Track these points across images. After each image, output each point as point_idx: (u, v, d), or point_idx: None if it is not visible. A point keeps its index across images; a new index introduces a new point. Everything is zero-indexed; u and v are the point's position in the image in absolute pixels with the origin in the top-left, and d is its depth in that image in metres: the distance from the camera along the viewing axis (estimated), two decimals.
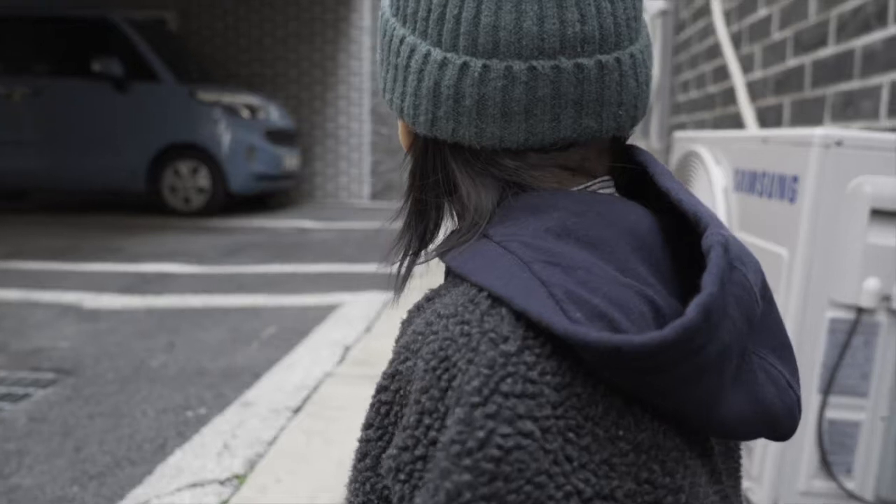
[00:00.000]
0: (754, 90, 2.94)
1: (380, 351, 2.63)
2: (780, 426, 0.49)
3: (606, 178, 0.55)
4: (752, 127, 2.88)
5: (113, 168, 7.14)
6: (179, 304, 3.55)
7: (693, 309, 0.42)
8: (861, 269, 1.39)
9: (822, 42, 2.30)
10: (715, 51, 3.43)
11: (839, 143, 1.40)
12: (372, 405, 0.50)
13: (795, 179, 1.48)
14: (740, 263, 0.47)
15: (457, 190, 0.54)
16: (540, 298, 0.43)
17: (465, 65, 0.49)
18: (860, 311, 1.40)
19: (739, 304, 0.45)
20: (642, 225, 0.50)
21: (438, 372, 0.43)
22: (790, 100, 2.55)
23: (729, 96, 3.21)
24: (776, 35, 2.70)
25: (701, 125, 3.73)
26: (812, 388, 1.42)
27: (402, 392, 0.47)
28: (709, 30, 3.55)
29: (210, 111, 7.06)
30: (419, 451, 0.43)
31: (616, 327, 0.42)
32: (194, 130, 7.06)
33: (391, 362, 0.49)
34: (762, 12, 2.86)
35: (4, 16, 7.38)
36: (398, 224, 0.62)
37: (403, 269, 0.62)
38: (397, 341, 0.51)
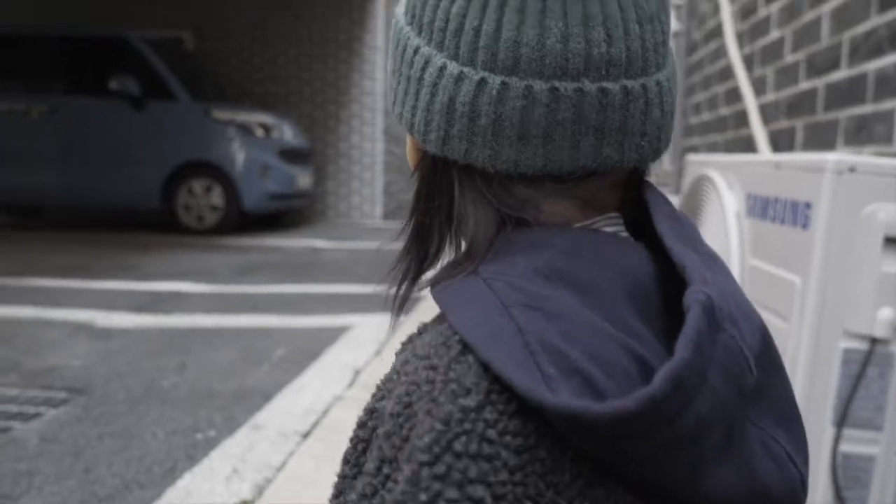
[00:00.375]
0: (767, 113, 2.93)
1: None
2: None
3: (614, 214, 0.53)
4: (764, 150, 2.87)
5: (128, 185, 7.21)
6: (191, 323, 3.56)
7: (661, 377, 0.38)
8: (875, 299, 1.38)
9: (834, 65, 2.30)
10: (727, 73, 3.43)
11: (852, 170, 1.39)
12: (351, 439, 0.48)
13: (808, 206, 1.47)
14: (731, 325, 0.43)
15: (459, 217, 0.52)
16: (511, 348, 0.40)
17: (482, 81, 0.46)
18: (874, 341, 1.38)
19: (725, 371, 0.41)
20: (640, 270, 0.47)
21: (401, 419, 0.41)
22: (803, 123, 2.54)
23: (741, 119, 3.20)
24: (789, 58, 2.70)
25: (713, 148, 3.72)
26: (826, 420, 1.40)
27: (375, 431, 0.44)
28: (721, 52, 3.55)
29: (225, 130, 7.13)
30: (376, 501, 0.41)
31: (593, 385, 0.39)
32: (209, 149, 7.12)
33: (372, 397, 0.47)
34: (775, 34, 2.86)
35: (24, 34, 7.49)
36: (400, 245, 0.59)
37: (401, 294, 0.59)
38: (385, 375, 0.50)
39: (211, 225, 7.21)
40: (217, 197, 7.19)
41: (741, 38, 3.30)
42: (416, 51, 0.49)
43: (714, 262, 0.49)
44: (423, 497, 0.37)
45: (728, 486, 0.42)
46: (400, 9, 0.54)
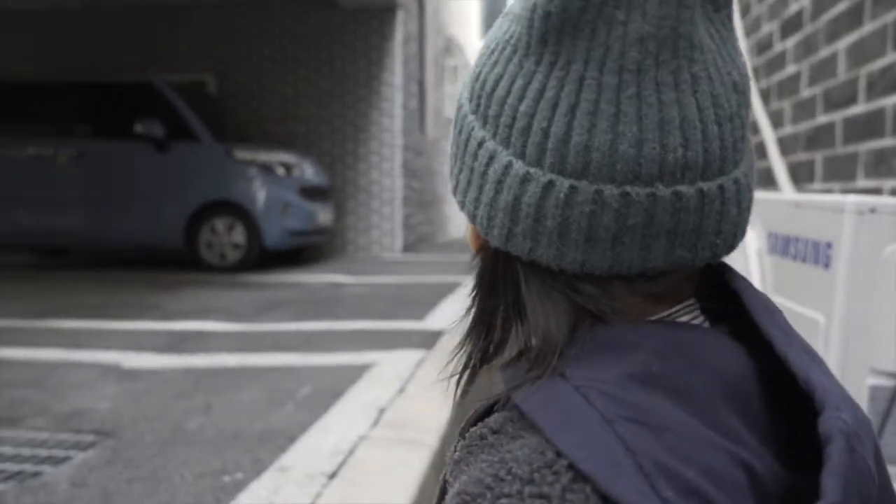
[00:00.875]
0: (785, 145, 2.94)
1: (413, 413, 2.63)
2: None
3: (691, 302, 0.51)
4: (784, 183, 2.87)
5: (152, 225, 7.34)
6: (216, 363, 3.59)
7: None
8: None
9: (852, 100, 2.31)
10: None
11: (873, 210, 1.40)
12: None
13: (829, 245, 1.48)
14: (859, 442, 0.42)
15: (525, 312, 0.50)
16: (627, 475, 0.38)
17: (550, 183, 0.44)
18: None
19: (859, 493, 0.41)
20: (736, 368, 0.46)
21: None
22: (822, 156, 2.56)
23: (760, 151, 3.21)
24: (805, 92, 2.72)
25: None
26: None
27: None
28: None
29: (246, 169, 7.26)
30: None
31: (710, 503, 0.39)
32: (231, 188, 7.25)
33: (453, 498, 0.43)
34: (791, 69, 2.88)
35: (53, 81, 7.72)
36: (462, 329, 0.57)
37: (463, 381, 0.57)
38: (454, 470, 0.47)
39: (233, 262, 7.30)
40: (239, 235, 7.29)
41: (757, 73, 3.33)
42: (480, 143, 0.48)
43: (820, 362, 0.48)
44: None
45: None
46: (464, 93, 0.52)
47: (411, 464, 2.21)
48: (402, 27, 9.73)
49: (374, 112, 9.57)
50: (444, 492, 0.55)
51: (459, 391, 0.57)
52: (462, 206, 0.51)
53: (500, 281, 0.52)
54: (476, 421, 0.54)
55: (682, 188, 0.44)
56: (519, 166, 0.46)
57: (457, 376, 0.57)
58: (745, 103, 0.48)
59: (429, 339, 3.98)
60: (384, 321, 4.64)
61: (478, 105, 0.49)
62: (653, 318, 0.49)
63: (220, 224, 7.30)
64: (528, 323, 0.50)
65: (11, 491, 2.09)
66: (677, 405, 0.42)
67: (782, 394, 0.45)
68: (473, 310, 0.56)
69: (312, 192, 7.78)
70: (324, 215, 8.06)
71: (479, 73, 0.50)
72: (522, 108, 0.45)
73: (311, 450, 2.37)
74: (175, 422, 2.70)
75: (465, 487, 0.43)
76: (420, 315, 4.84)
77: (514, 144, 0.46)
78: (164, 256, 8.17)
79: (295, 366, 3.52)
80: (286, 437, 2.51)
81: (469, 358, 0.56)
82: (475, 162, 0.49)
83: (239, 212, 7.25)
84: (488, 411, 0.55)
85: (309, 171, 7.83)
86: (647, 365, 0.44)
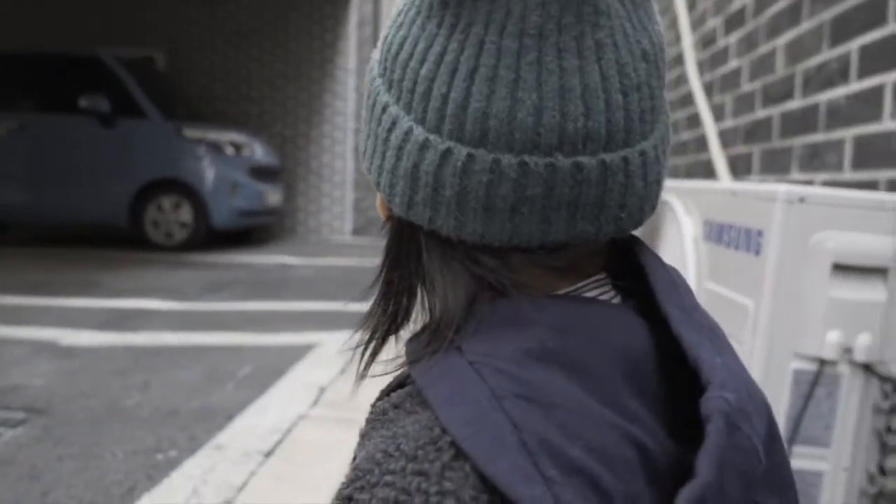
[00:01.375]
0: (725, 138, 3.01)
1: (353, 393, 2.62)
2: None
3: (601, 276, 0.50)
4: (723, 175, 2.94)
5: (96, 202, 7.14)
6: (157, 341, 3.53)
7: (684, 498, 0.38)
8: (823, 322, 1.42)
9: (788, 95, 2.38)
10: (688, 99, 3.51)
11: (802, 200, 1.44)
12: None
13: (760, 233, 1.52)
14: (744, 419, 0.42)
15: (429, 279, 0.49)
16: (510, 453, 0.38)
17: (447, 151, 0.43)
18: (823, 362, 1.43)
19: (739, 474, 0.41)
20: (637, 344, 0.45)
21: None
22: (760, 149, 2.62)
23: (701, 143, 3.28)
24: (746, 86, 2.78)
25: (674, 171, 3.80)
26: None
27: None
28: (682, 79, 3.64)
29: (195, 147, 7.11)
30: None
31: (596, 482, 0.38)
32: (179, 166, 7.09)
33: (349, 482, 0.43)
34: (733, 64, 2.94)
35: None
36: (370, 299, 0.56)
37: (369, 352, 0.56)
38: (357, 450, 0.47)
39: (180, 241, 7.16)
40: (186, 213, 7.15)
41: (701, 67, 3.39)
42: (384, 108, 0.47)
43: (717, 339, 0.48)
44: None
45: None
46: (375, 56, 0.51)
47: (349, 443, 2.20)
48: (356, 10, 9.64)
49: (327, 95, 9.47)
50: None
51: (363, 364, 0.56)
52: (369, 171, 0.50)
53: (404, 250, 0.51)
54: (390, 391, 0.53)
55: (583, 159, 0.42)
56: (419, 132, 0.44)
57: (362, 348, 0.56)
58: (657, 73, 0.46)
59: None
60: (330, 302, 4.61)
61: (384, 69, 0.48)
62: (558, 292, 0.48)
63: (166, 202, 7.14)
64: (431, 291, 0.49)
65: None
66: (572, 381, 0.41)
67: (682, 371, 0.44)
68: (380, 280, 0.54)
69: (262, 173, 7.66)
70: (273, 196, 7.95)
71: (387, 35, 0.49)
72: (423, 71, 0.44)
73: (249, 428, 2.35)
74: (111, 399, 2.64)
75: (359, 463, 0.42)
76: (367, 297, 4.80)
77: (415, 110, 0.45)
78: (109, 234, 7.97)
79: (238, 345, 3.48)
80: (224, 416, 2.48)
81: (374, 330, 0.55)
82: (379, 127, 0.48)
83: (186, 190, 7.09)
84: (399, 386, 0.54)
85: (259, 152, 7.71)
86: (544, 341, 0.43)
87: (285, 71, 9.44)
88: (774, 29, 2.51)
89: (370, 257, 7.35)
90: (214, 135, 7.29)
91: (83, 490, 1.93)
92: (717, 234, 1.78)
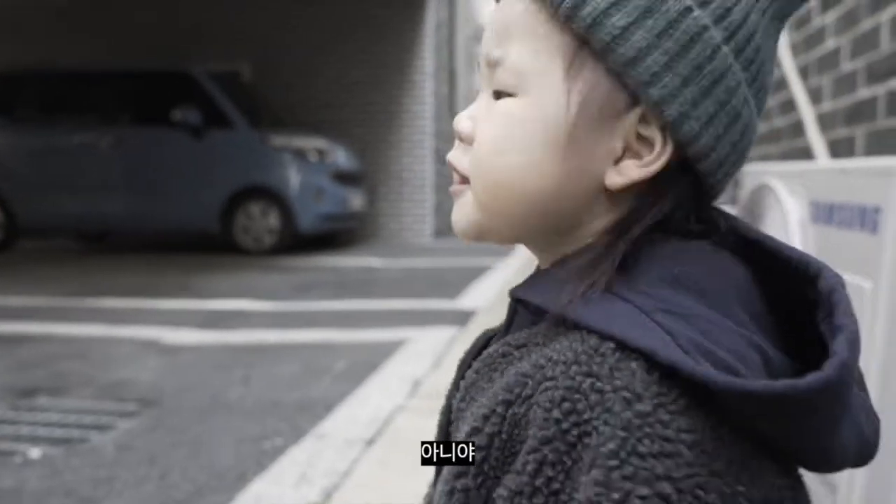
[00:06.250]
0: (823, 122, 2.90)
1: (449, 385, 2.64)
2: (869, 452, 0.49)
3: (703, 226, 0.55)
4: (823, 159, 2.83)
5: (189, 210, 7.47)
6: (253, 339, 3.65)
7: (843, 343, 0.43)
8: None
9: (895, 72, 2.27)
10: (781, 84, 3.40)
11: None
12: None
13: (877, 210, 1.46)
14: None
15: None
16: (676, 350, 0.42)
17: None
18: None
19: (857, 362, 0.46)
20: (741, 274, 0.50)
21: (565, 425, 0.42)
22: (864, 131, 2.51)
23: (797, 129, 3.17)
24: (846, 66, 2.68)
25: (766, 158, 3.67)
26: None
27: (503, 435, 0.45)
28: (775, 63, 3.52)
29: (280, 155, 7.35)
30: (538, 500, 0.43)
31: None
32: (266, 173, 7.35)
33: (491, 403, 0.46)
34: (830, 44, 2.83)
35: (94, 71, 7.90)
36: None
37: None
38: (466, 395, 0.51)
39: (268, 246, 7.41)
40: (273, 219, 7.39)
41: (795, 49, 3.27)
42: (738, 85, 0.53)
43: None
44: (615, 496, 0.40)
45: (847, 443, 0.46)
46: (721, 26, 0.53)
47: None
48: (433, 14, 9.73)
49: (405, 99, 9.60)
50: (446, 423, 0.59)
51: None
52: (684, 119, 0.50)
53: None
54: (477, 354, 0.57)
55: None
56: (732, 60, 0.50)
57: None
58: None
59: (461, 318, 4.01)
60: (417, 300, 4.67)
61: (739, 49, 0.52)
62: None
63: (255, 209, 7.40)
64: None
65: (61, 455, 2.16)
66: (700, 301, 0.46)
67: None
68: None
69: (345, 178, 7.84)
70: (356, 200, 8.13)
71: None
72: None
73: (349, 418, 2.41)
74: (215, 392, 2.76)
75: (504, 386, 0.46)
76: (452, 295, 4.87)
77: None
78: (201, 240, 8.30)
79: (331, 342, 3.57)
80: (324, 407, 2.55)
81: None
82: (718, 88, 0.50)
83: (273, 197, 7.34)
84: (486, 344, 0.59)
85: (342, 157, 7.90)
86: (670, 269, 0.48)
87: (364, 77, 9.61)
88: (878, 4, 2.40)
89: (452, 258, 7.41)
90: (299, 142, 7.51)
91: (198, 474, 2.02)
92: (827, 214, 1.72)
